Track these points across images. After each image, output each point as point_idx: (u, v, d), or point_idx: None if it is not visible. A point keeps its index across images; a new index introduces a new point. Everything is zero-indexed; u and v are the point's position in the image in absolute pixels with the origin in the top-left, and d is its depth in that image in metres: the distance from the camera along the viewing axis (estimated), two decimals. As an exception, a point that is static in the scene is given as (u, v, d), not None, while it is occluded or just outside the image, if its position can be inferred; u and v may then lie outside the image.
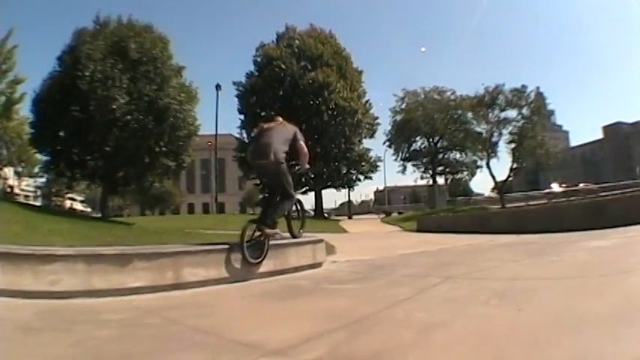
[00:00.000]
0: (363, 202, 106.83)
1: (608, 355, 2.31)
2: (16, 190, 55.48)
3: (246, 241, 5.79)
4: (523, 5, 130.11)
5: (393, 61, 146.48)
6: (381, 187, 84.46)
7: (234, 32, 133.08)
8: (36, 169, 62.18)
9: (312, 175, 42.59)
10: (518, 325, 3.05)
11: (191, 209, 77.28)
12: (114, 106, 19.93)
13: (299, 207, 7.42)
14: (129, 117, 20.44)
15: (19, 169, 51.75)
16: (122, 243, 7.78)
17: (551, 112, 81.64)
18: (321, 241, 7.62)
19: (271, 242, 6.92)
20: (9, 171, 50.64)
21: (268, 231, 6.01)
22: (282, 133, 6.44)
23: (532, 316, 3.24)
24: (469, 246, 9.95)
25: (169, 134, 21.95)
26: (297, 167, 6.84)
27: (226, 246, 5.91)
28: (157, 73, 22.20)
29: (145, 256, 5.27)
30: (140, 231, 12.33)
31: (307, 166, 6.85)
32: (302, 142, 6.63)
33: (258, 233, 6.05)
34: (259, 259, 5.92)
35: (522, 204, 32.44)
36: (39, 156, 48.03)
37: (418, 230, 21.72)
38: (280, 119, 6.90)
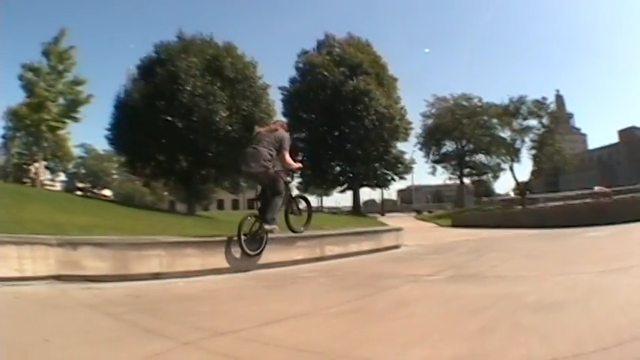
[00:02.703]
0: (386, 200, 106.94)
1: (587, 271, 5.11)
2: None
3: (244, 234, 6.10)
4: (543, 10, 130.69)
5: (414, 65, 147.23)
6: (403, 187, 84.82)
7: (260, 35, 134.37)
8: (70, 165, 61.28)
9: (351, 174, 44.65)
10: (539, 265, 6.17)
11: (220, 205, 77.09)
12: (217, 119, 22.90)
13: (306, 204, 7.65)
14: (229, 128, 23.41)
15: (52, 165, 50.99)
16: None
17: (570, 115, 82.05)
18: (401, 229, 10.56)
19: (370, 229, 9.90)
20: (40, 165, 48.68)
21: (267, 227, 6.24)
22: (269, 139, 6.56)
23: (545, 263, 6.40)
24: (502, 237, 12.71)
25: None
26: (288, 176, 7.04)
27: (347, 230, 8.76)
28: (252, 92, 25.25)
29: (304, 238, 7.31)
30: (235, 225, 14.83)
31: (294, 165, 6.86)
32: (286, 152, 6.65)
33: (257, 227, 6.34)
34: (257, 252, 6.25)
35: (542, 205, 34.72)
36: (76, 152, 47.16)
37: (453, 226, 24.37)
38: (276, 124, 7.10)
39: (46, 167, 51.16)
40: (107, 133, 27.97)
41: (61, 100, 31.70)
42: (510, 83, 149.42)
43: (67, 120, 33.03)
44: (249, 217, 6.32)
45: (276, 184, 6.47)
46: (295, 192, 7.41)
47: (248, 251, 6.04)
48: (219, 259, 5.98)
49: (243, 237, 6.01)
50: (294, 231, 7.11)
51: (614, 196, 29.87)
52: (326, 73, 42.30)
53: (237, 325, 3.35)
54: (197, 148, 23.27)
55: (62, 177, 64.48)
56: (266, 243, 6.32)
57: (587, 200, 28.14)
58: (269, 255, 6.51)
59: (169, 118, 22.65)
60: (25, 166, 46.48)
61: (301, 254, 7.13)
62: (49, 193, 25.46)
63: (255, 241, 6.25)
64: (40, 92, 30.65)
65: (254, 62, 26.84)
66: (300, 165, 7.04)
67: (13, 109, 36.80)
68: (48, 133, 33.62)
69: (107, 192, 68.55)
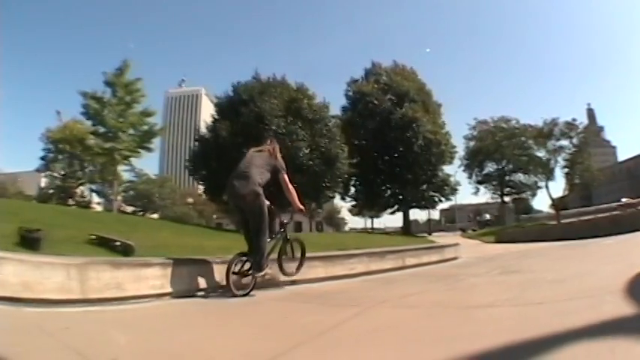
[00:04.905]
0: (428, 220, 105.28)
1: (590, 264, 7.58)
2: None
3: (233, 272, 5.57)
4: (575, 24, 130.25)
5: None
6: (446, 206, 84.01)
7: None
8: (121, 188, 58.00)
9: (401, 197, 45.64)
10: (560, 264, 8.78)
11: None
12: (300, 154, 24.67)
13: (301, 249, 6.62)
14: (311, 163, 25.30)
15: (100, 188, 50.06)
16: (346, 248, 10.27)
17: (601, 129, 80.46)
18: (458, 244, 13.09)
19: (436, 245, 12.32)
20: (85, 189, 50.86)
21: (258, 274, 5.70)
22: (262, 160, 5.92)
23: (565, 262, 8.99)
24: (537, 248, 15.06)
25: (331, 174, 27.11)
26: (288, 209, 6.36)
27: (420, 245, 11.36)
28: (327, 130, 27.49)
29: (392, 252, 9.57)
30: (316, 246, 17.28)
31: (300, 206, 6.11)
32: (286, 176, 6.01)
33: (247, 267, 5.78)
34: (245, 293, 5.55)
35: (574, 219, 35.99)
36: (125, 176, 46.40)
37: (497, 241, 26.40)
38: (265, 146, 6.25)
39: (93, 190, 51.93)
40: (187, 164, 30.61)
41: (130, 131, 32.39)
42: (542, 96, 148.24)
43: (140, 150, 33.66)
44: (240, 258, 5.75)
45: (262, 211, 5.64)
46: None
47: (235, 291, 5.46)
48: (336, 269, 7.63)
49: (232, 276, 5.53)
50: (285, 274, 6.35)
51: (639, 207, 31.07)
52: (376, 102, 43.05)
53: (387, 298, 5.14)
54: None
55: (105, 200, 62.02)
56: (255, 284, 5.72)
57: (615, 212, 29.48)
58: (370, 265, 8.41)
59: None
60: (70, 189, 47.99)
61: (389, 264, 9.05)
62: (146, 219, 27.14)
63: (245, 281, 5.75)
64: (112, 123, 31.22)
65: (326, 104, 29.09)
66: (302, 208, 6.21)
67: (76, 136, 37.96)
68: (121, 162, 34.45)
69: (155, 216, 65.81)
